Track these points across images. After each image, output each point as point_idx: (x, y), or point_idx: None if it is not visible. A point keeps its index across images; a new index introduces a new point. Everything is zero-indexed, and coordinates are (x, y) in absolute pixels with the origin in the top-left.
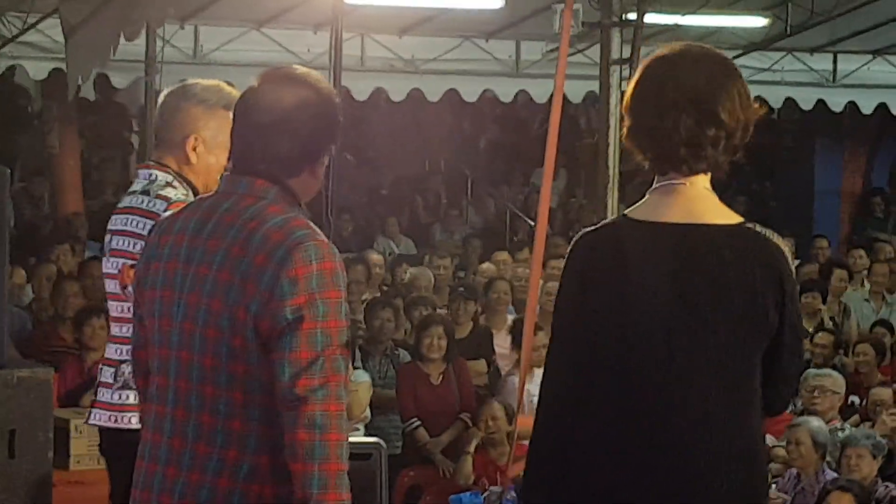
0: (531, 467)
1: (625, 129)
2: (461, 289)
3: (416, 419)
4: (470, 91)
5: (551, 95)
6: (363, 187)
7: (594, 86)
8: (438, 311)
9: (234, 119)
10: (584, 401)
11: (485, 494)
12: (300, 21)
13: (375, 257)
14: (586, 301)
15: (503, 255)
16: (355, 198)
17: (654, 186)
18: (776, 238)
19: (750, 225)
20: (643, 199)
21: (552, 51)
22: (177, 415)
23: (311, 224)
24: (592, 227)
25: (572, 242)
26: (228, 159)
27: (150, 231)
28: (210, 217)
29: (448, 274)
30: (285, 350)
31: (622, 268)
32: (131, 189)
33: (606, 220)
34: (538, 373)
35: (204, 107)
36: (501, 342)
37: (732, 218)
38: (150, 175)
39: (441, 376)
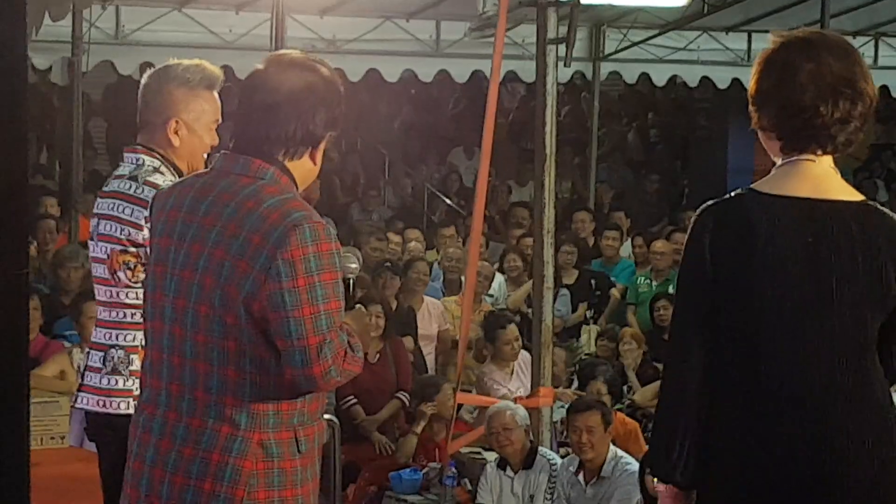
0: (660, 442)
1: (758, 114)
2: (388, 263)
3: (351, 397)
4: (391, 71)
5: (471, 74)
6: None
7: (512, 65)
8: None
9: (238, 100)
10: (714, 371)
11: (424, 471)
12: (222, 2)
13: None
14: (715, 272)
15: (415, 234)
16: None
17: (780, 163)
18: None
19: (872, 203)
20: (769, 174)
21: (477, 29)
22: (171, 389)
23: (308, 205)
24: (715, 201)
25: (696, 215)
26: (231, 138)
27: (140, 217)
28: (206, 195)
29: (382, 255)
30: (292, 338)
31: (751, 239)
32: (118, 172)
33: (732, 193)
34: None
35: (185, 88)
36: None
37: (856, 195)
38: (138, 160)
39: (378, 354)
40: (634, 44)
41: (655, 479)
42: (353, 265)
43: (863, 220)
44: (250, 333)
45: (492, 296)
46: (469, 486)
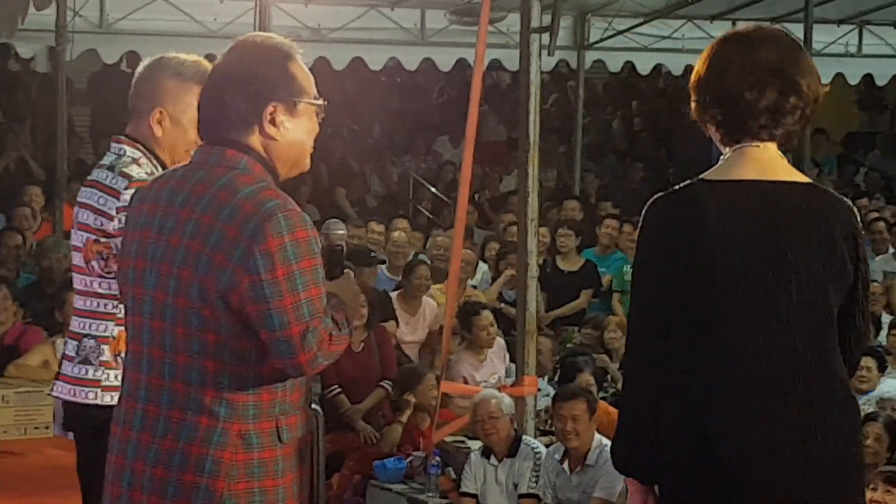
0: (624, 437)
1: (696, 104)
2: (372, 254)
3: (336, 386)
4: (375, 59)
5: (456, 62)
6: None
7: (497, 54)
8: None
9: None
10: (674, 355)
11: (408, 460)
12: None
13: None
14: (668, 262)
15: (403, 224)
16: None
17: (726, 154)
18: (843, 197)
19: (819, 184)
20: (716, 165)
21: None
22: (151, 382)
23: (282, 193)
24: (665, 193)
25: (647, 207)
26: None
27: (111, 207)
28: (182, 187)
29: (363, 243)
30: (276, 329)
31: (703, 226)
32: (101, 162)
33: (680, 185)
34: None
35: (176, 80)
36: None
37: (804, 178)
38: (121, 150)
39: (362, 344)
40: (619, 32)
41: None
42: (341, 231)
43: (812, 199)
44: (229, 325)
45: (475, 286)
46: (453, 475)
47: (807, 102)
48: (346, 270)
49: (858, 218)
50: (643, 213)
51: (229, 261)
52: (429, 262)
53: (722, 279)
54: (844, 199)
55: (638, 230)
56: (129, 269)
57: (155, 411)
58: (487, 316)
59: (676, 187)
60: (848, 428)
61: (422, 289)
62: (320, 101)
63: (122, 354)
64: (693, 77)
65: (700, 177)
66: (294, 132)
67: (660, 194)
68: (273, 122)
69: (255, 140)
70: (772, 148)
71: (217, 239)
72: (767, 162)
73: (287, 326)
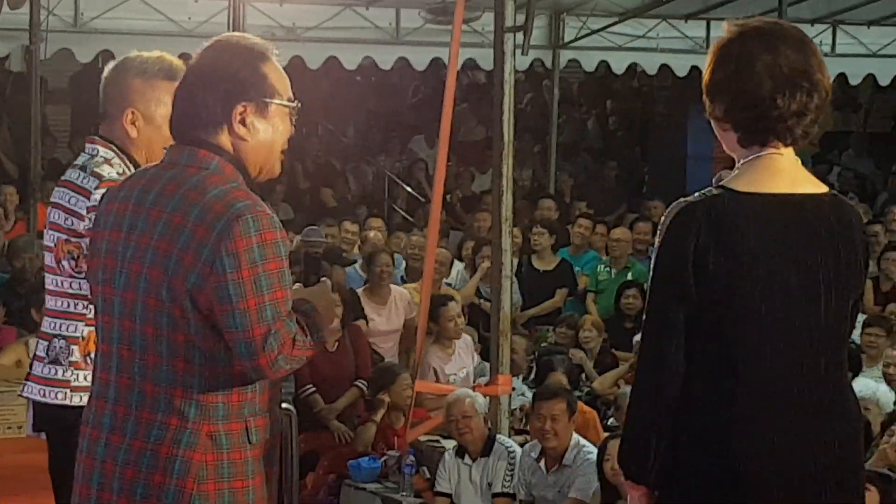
0: (636, 444)
1: (714, 106)
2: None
3: (310, 385)
4: (350, 59)
5: (431, 62)
6: None
7: (471, 53)
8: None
9: None
10: (696, 366)
11: (383, 459)
12: None
13: None
14: (698, 274)
15: (378, 222)
16: None
17: (747, 157)
18: (854, 205)
19: (835, 193)
20: (737, 170)
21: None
22: (120, 382)
23: (253, 194)
24: (691, 200)
25: (674, 214)
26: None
27: (82, 207)
28: (153, 186)
29: (336, 242)
30: (238, 330)
31: (736, 238)
32: (75, 162)
33: (706, 192)
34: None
35: (142, 79)
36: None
37: (823, 187)
38: (94, 150)
39: (337, 343)
40: (594, 32)
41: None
42: (319, 239)
43: (838, 212)
44: (198, 326)
45: (450, 284)
46: (427, 474)
47: (825, 101)
48: (322, 279)
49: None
50: (670, 217)
51: (197, 260)
52: (405, 261)
53: (754, 299)
54: (856, 207)
55: (661, 234)
56: (98, 268)
57: (124, 412)
58: (454, 307)
59: (704, 193)
60: (857, 441)
61: (385, 277)
62: (294, 103)
63: (92, 355)
64: (709, 77)
65: (724, 185)
66: (264, 133)
67: (686, 201)
68: (243, 122)
69: (226, 140)
70: (791, 154)
71: (186, 239)
72: (793, 171)
73: (249, 328)
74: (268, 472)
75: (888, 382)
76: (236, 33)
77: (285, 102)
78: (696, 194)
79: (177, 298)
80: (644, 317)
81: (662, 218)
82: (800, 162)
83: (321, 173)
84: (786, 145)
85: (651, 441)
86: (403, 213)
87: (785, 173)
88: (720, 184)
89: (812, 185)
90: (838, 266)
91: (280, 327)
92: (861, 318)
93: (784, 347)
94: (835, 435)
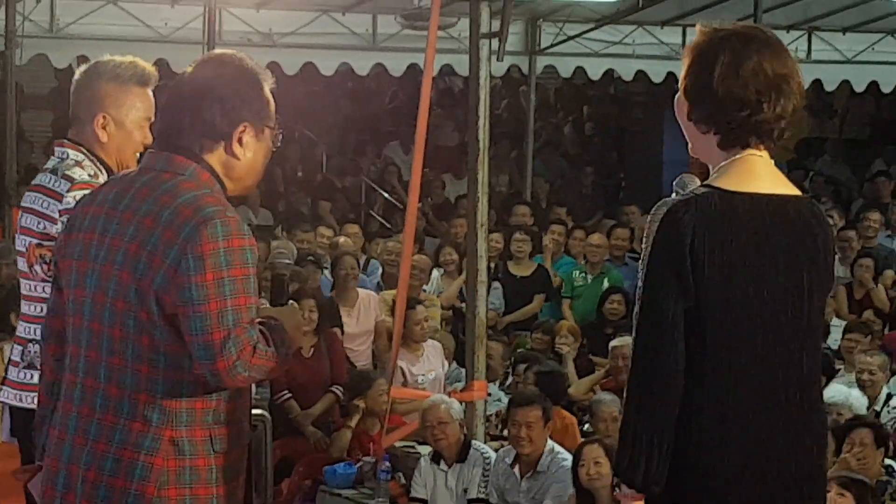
0: (637, 452)
1: (693, 108)
2: (310, 257)
3: (286, 391)
4: (327, 65)
5: (407, 68)
6: None
7: (448, 59)
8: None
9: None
10: (692, 373)
11: (358, 465)
12: None
13: None
14: (695, 274)
15: (354, 228)
16: None
17: (728, 158)
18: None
19: (809, 196)
20: (721, 173)
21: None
22: (86, 384)
23: (224, 200)
24: (680, 199)
25: (666, 214)
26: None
27: (54, 210)
28: (128, 191)
29: (312, 248)
30: (197, 333)
31: (731, 236)
32: (45, 166)
33: (694, 192)
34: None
35: (115, 84)
36: (347, 318)
37: (797, 190)
38: (63, 153)
39: (312, 349)
40: (570, 38)
41: (619, 489)
42: (286, 261)
43: (815, 214)
44: (163, 329)
45: (425, 290)
46: (403, 480)
47: (800, 104)
48: (290, 301)
49: None
50: (661, 218)
51: (164, 262)
52: (381, 266)
53: (749, 299)
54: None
55: (650, 235)
56: (71, 271)
57: (89, 414)
58: (422, 311)
59: (692, 193)
60: (823, 444)
61: (349, 279)
62: (278, 129)
63: None
64: (689, 80)
65: (711, 184)
66: (255, 154)
67: (674, 199)
68: (241, 141)
69: (217, 155)
70: (768, 156)
71: (155, 242)
72: (772, 173)
73: (208, 331)
74: (233, 485)
75: (862, 388)
76: (228, 51)
77: (275, 127)
78: (676, 195)
79: (144, 301)
80: (639, 317)
81: (648, 219)
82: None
83: (301, 179)
84: (766, 148)
85: (654, 448)
86: (381, 218)
87: (765, 175)
88: (706, 183)
89: (788, 188)
90: (817, 266)
91: (240, 333)
92: (838, 322)
93: (774, 345)
94: (810, 436)
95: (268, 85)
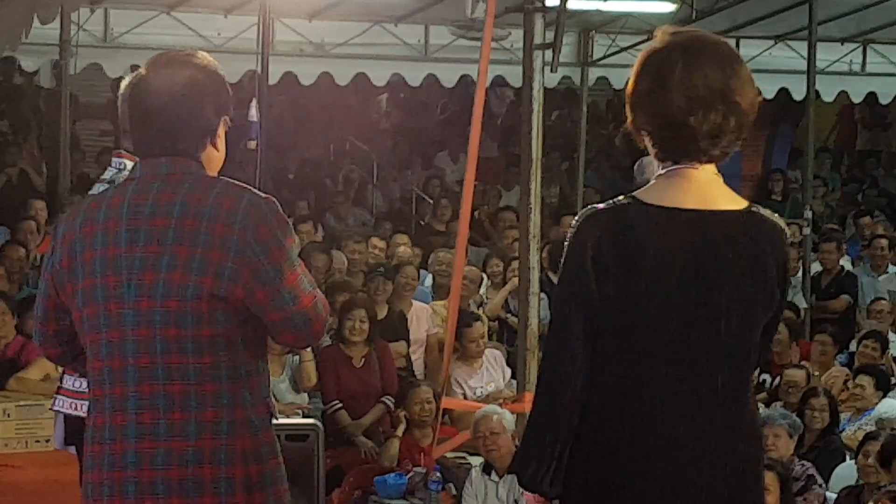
0: (531, 450)
1: (632, 118)
2: (381, 269)
3: (337, 401)
4: (379, 75)
5: (460, 79)
6: (270, 171)
7: (500, 70)
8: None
9: (128, 107)
10: (592, 382)
11: (409, 475)
12: (210, 5)
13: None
14: (598, 284)
15: (403, 239)
16: (262, 181)
17: (662, 171)
18: (777, 219)
19: (755, 209)
20: (651, 184)
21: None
22: (142, 391)
23: (245, 185)
24: (599, 208)
25: (580, 221)
26: (134, 146)
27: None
28: (144, 199)
29: (363, 258)
30: (289, 305)
31: (638, 253)
32: (102, 176)
33: (616, 201)
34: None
35: None
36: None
37: (741, 203)
38: (121, 164)
39: (363, 359)
40: (622, 49)
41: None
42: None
43: (749, 229)
44: (224, 318)
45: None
46: (454, 491)
47: (745, 121)
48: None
49: (788, 241)
50: (575, 225)
51: (227, 255)
52: (432, 276)
53: (652, 312)
54: (777, 222)
55: (568, 239)
56: (96, 287)
57: (152, 417)
58: (479, 328)
59: (613, 202)
60: (752, 463)
61: (407, 289)
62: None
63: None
64: (630, 89)
65: (635, 195)
66: (222, 146)
67: (596, 207)
68: (219, 133)
69: (207, 150)
70: (710, 170)
71: (206, 238)
72: (706, 187)
73: (299, 300)
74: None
75: None
76: (176, 51)
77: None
78: (606, 202)
79: (202, 295)
80: (549, 324)
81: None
82: (719, 177)
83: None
84: (701, 163)
85: (548, 447)
86: (433, 227)
87: (697, 189)
88: (630, 194)
89: (727, 202)
90: (744, 285)
91: (316, 293)
92: (895, 338)
93: (679, 363)
94: (726, 455)
95: (224, 79)
